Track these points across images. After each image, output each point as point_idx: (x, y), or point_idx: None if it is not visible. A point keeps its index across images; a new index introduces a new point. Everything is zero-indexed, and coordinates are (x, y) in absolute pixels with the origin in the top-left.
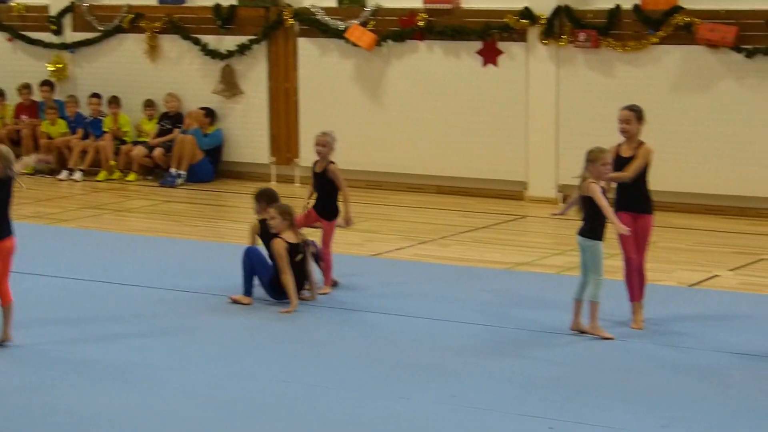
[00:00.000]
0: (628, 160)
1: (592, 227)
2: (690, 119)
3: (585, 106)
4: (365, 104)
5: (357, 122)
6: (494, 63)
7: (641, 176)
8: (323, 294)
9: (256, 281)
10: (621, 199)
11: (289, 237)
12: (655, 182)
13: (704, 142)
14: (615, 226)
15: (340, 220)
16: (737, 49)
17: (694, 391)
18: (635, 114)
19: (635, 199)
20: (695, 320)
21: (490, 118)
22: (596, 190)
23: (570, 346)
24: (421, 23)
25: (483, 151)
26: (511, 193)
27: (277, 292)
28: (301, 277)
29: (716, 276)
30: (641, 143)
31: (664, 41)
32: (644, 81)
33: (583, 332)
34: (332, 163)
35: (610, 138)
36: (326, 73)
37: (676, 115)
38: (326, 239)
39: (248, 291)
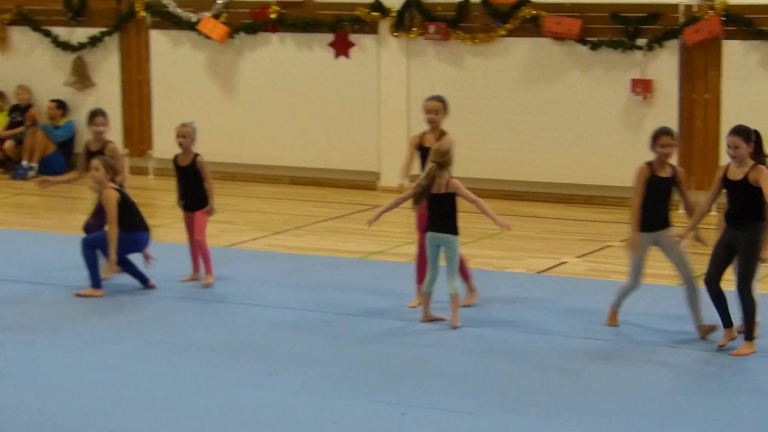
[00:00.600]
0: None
1: (451, 222)
2: (537, 110)
3: None
4: (218, 96)
5: (210, 114)
6: (346, 55)
7: None
8: (206, 285)
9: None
10: None
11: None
12: (504, 172)
13: (551, 132)
14: (495, 221)
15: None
16: (582, 41)
17: (541, 376)
18: (442, 104)
19: None
20: (544, 306)
21: (343, 110)
22: (462, 186)
23: (421, 334)
24: (273, 16)
25: (336, 142)
26: (364, 183)
27: (127, 265)
28: (141, 219)
29: (564, 263)
30: (444, 133)
31: (511, 33)
32: (493, 73)
33: (434, 320)
34: (198, 155)
35: (459, 128)
36: (179, 65)
37: (524, 106)
38: (201, 229)
39: (96, 283)
